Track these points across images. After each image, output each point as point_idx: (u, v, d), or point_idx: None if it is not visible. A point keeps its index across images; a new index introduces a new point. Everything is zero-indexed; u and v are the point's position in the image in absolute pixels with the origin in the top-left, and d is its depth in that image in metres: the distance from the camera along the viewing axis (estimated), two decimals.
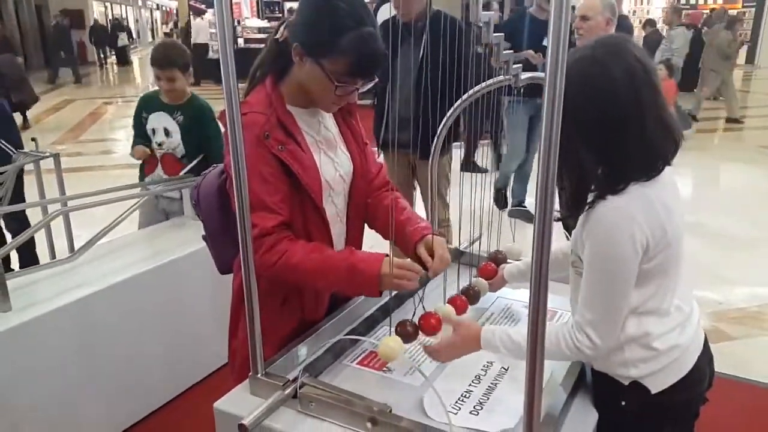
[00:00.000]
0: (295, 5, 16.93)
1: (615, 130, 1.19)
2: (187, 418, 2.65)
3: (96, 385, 2.41)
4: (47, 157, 2.93)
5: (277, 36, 1.46)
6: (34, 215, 2.74)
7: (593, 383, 1.40)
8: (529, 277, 0.94)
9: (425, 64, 3.13)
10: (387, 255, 1.41)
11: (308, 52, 1.38)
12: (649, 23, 12.24)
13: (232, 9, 1.15)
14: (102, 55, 21.87)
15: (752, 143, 8.80)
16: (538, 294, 0.96)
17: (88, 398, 2.39)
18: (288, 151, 1.42)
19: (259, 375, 1.38)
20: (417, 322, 1.46)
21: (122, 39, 22.20)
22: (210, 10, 16.30)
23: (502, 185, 5.22)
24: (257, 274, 1.29)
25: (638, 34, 13.11)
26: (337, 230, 1.58)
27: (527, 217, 4.56)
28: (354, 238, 1.63)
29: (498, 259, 1.92)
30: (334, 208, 1.56)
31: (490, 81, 1.79)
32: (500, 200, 5.10)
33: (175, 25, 26.03)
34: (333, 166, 1.54)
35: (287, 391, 1.31)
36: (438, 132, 2.05)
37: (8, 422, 2.13)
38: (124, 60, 22.33)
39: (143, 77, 19.88)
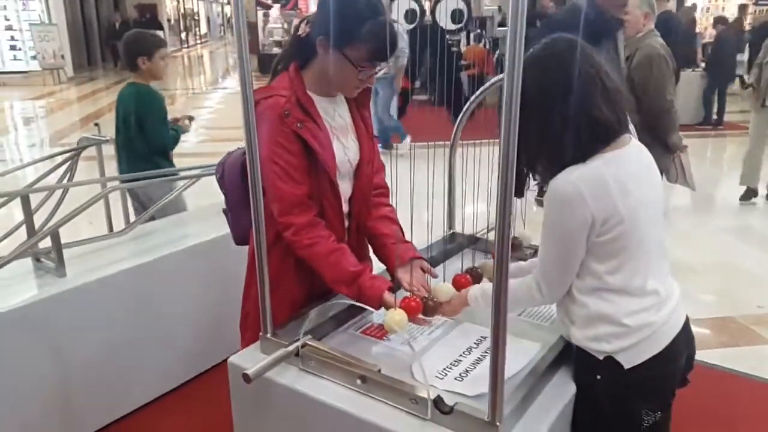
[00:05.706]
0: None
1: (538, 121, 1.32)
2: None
3: (139, 348, 2.62)
4: (106, 141, 3.18)
5: (300, 33, 1.63)
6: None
7: (574, 359, 1.48)
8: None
9: None
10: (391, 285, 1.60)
11: (332, 42, 1.54)
12: (720, 21, 11.77)
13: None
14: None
15: None
16: (501, 264, 1.07)
17: (131, 359, 2.61)
18: (306, 128, 1.58)
19: (268, 335, 1.53)
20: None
21: None
22: (276, 6, 16.68)
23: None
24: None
25: (711, 32, 12.60)
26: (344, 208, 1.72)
27: None
28: (359, 214, 1.76)
29: (513, 245, 2.00)
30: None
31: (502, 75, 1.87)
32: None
33: None
34: (343, 151, 1.68)
35: (290, 348, 1.46)
36: (461, 115, 2.12)
37: (59, 375, 2.37)
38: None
39: (213, 70, 20.57)
